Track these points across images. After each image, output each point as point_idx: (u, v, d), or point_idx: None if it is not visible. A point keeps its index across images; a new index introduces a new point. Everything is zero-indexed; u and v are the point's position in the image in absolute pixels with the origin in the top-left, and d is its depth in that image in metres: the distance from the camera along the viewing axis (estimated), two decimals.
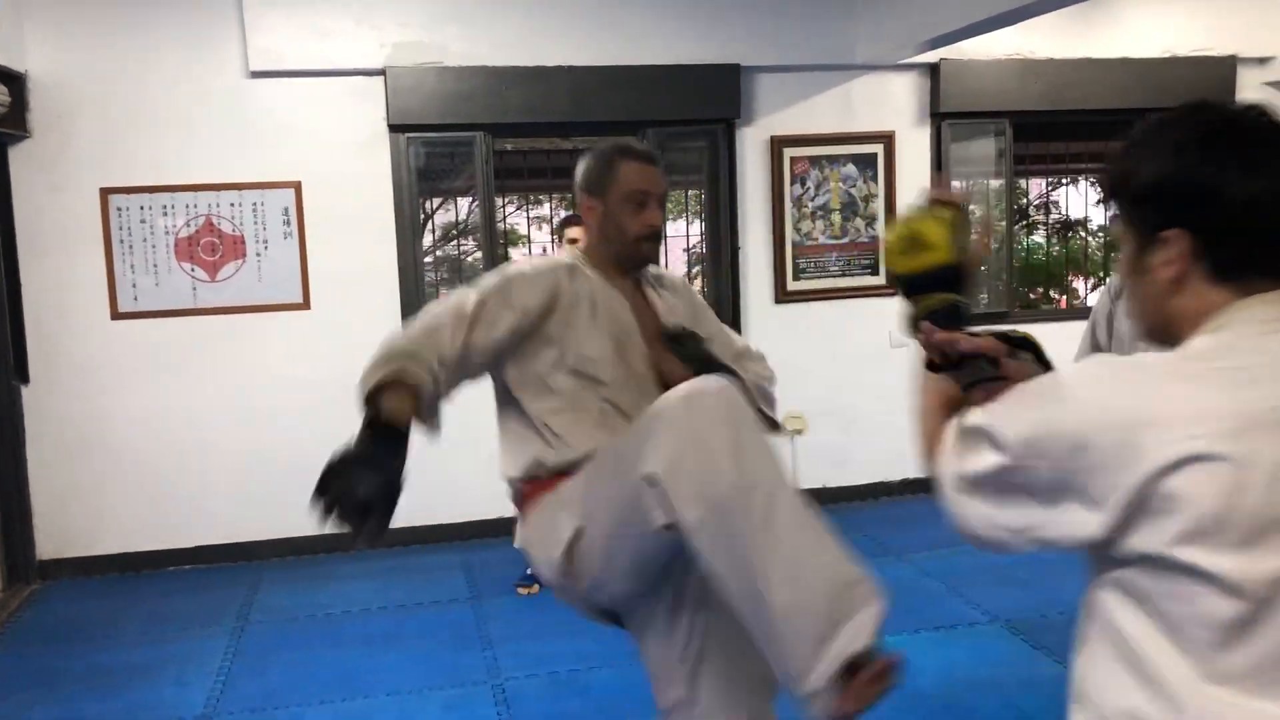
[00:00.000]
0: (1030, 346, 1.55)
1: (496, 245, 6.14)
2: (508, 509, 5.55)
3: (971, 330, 1.53)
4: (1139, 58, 6.36)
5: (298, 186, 5.66)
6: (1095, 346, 4.31)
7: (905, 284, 1.54)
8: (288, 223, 5.67)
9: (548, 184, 7.02)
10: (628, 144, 2.47)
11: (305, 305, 5.70)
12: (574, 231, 5.09)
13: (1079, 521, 1.18)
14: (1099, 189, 1.44)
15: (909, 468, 6.43)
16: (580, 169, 2.42)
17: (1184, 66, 6.40)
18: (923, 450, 1.48)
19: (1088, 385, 1.19)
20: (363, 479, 1.92)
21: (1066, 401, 1.19)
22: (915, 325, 1.52)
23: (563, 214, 6.08)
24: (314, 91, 5.64)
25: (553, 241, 5.15)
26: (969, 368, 1.50)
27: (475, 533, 5.86)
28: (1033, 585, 4.85)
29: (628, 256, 2.40)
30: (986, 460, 1.26)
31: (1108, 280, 4.37)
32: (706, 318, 2.60)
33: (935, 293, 1.51)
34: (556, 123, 5.95)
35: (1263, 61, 6.55)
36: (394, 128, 5.71)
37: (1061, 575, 4.92)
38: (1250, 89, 6.56)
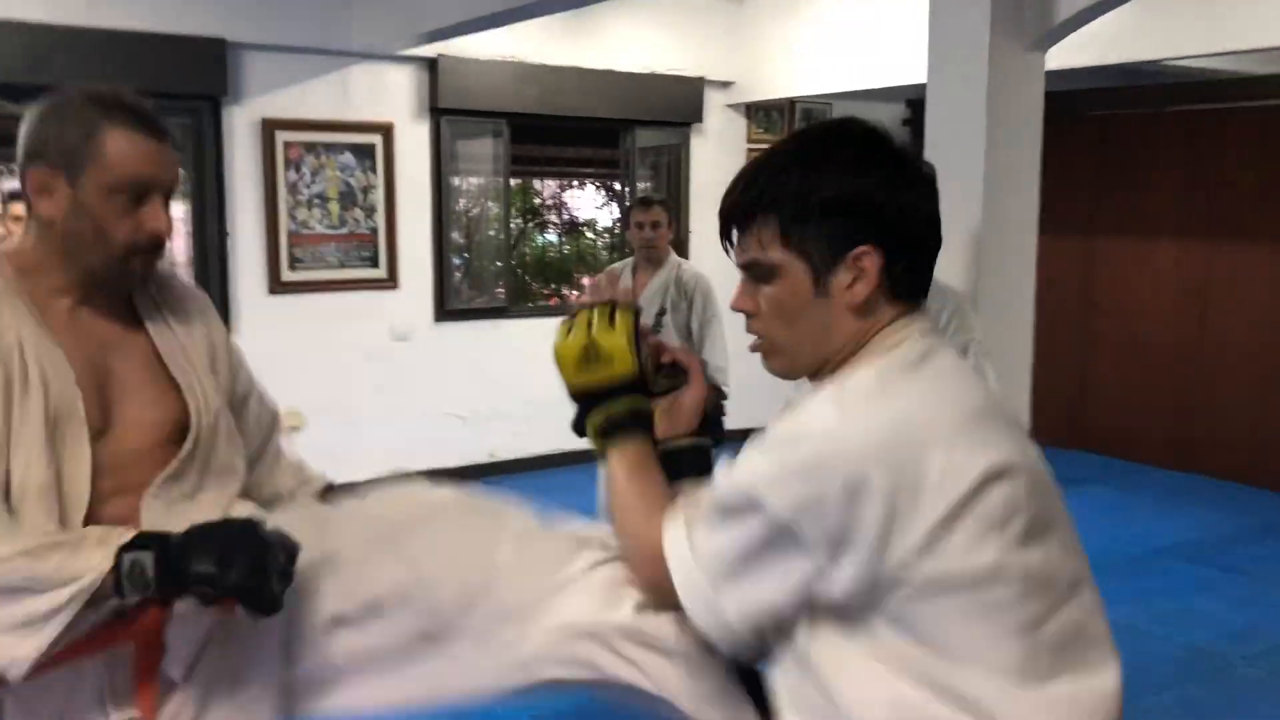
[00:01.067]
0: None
1: None
2: None
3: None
4: (622, 71, 6.83)
5: None
6: None
7: (582, 396, 1.37)
8: None
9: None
10: (119, 96, 1.52)
11: None
12: (22, 209, 4.47)
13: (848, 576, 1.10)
14: (730, 213, 1.22)
15: (407, 460, 6.41)
16: (30, 125, 1.51)
17: (662, 82, 6.98)
18: (637, 555, 1.27)
19: (838, 422, 1.12)
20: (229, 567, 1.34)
21: (820, 440, 1.11)
22: (598, 436, 1.36)
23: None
24: None
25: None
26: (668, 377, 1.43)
27: None
28: None
29: (106, 276, 1.55)
30: (748, 527, 1.13)
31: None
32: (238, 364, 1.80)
33: (616, 399, 1.34)
34: (2, 84, 5.21)
35: (725, 85, 7.33)
36: None
37: None
38: (715, 108, 7.31)
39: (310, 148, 5.97)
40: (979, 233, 3.29)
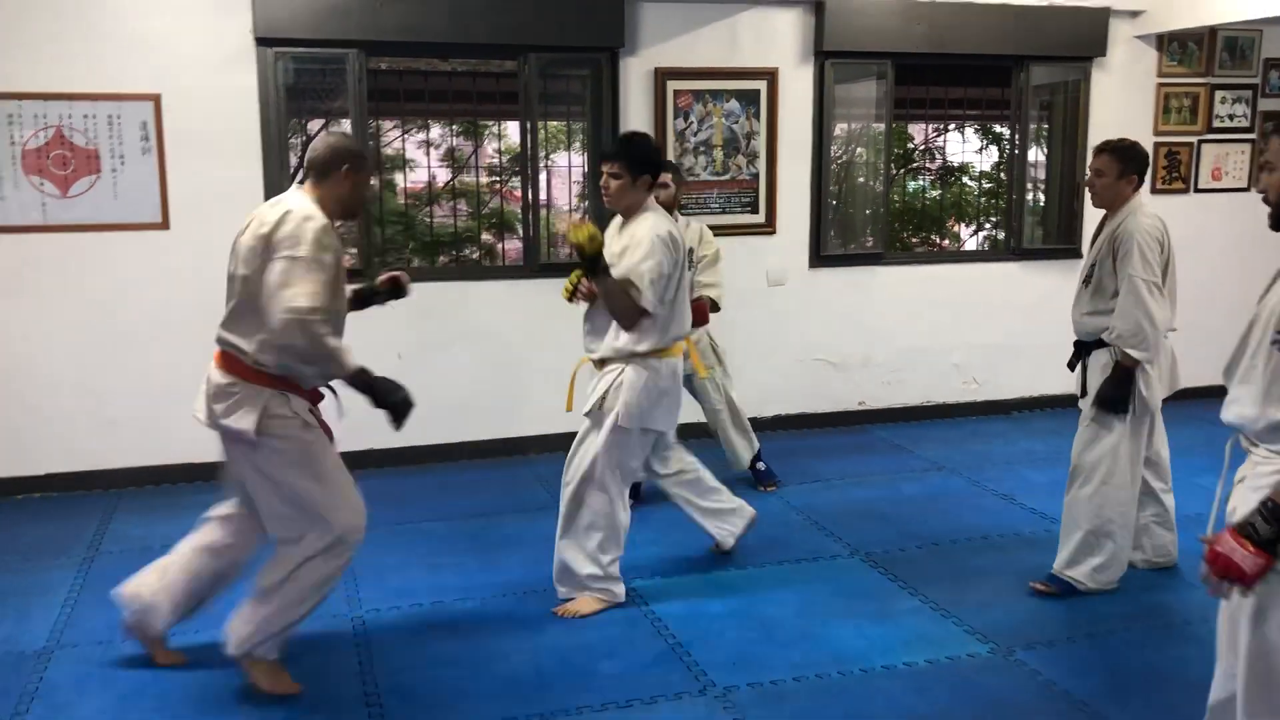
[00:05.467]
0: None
1: (371, 170, 5.91)
2: (394, 439, 5.42)
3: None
4: (1018, 4, 6.43)
5: (157, 100, 5.36)
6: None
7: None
8: (146, 138, 5.38)
9: (425, 108, 6.80)
10: None
11: (164, 225, 5.45)
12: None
13: None
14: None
15: (780, 405, 6.52)
16: None
17: (1060, 15, 6.50)
18: None
19: None
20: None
21: None
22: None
23: (456, 142, 5.82)
24: None
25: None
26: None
27: (351, 465, 5.73)
28: (892, 520, 4.98)
29: None
30: None
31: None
32: None
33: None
34: (435, 43, 5.76)
35: (1134, 15, 6.70)
36: (261, 41, 5.45)
37: (921, 512, 5.07)
38: (1120, 40, 6.71)
39: (698, 95, 6.13)
40: None
